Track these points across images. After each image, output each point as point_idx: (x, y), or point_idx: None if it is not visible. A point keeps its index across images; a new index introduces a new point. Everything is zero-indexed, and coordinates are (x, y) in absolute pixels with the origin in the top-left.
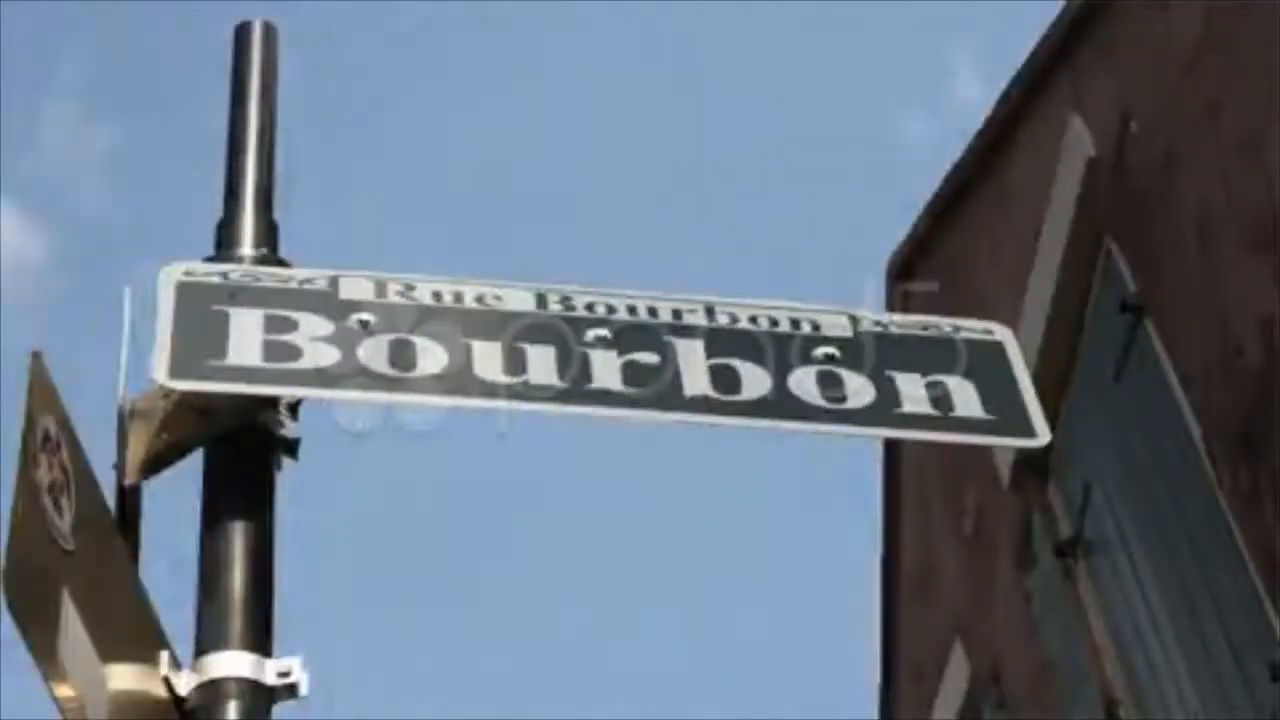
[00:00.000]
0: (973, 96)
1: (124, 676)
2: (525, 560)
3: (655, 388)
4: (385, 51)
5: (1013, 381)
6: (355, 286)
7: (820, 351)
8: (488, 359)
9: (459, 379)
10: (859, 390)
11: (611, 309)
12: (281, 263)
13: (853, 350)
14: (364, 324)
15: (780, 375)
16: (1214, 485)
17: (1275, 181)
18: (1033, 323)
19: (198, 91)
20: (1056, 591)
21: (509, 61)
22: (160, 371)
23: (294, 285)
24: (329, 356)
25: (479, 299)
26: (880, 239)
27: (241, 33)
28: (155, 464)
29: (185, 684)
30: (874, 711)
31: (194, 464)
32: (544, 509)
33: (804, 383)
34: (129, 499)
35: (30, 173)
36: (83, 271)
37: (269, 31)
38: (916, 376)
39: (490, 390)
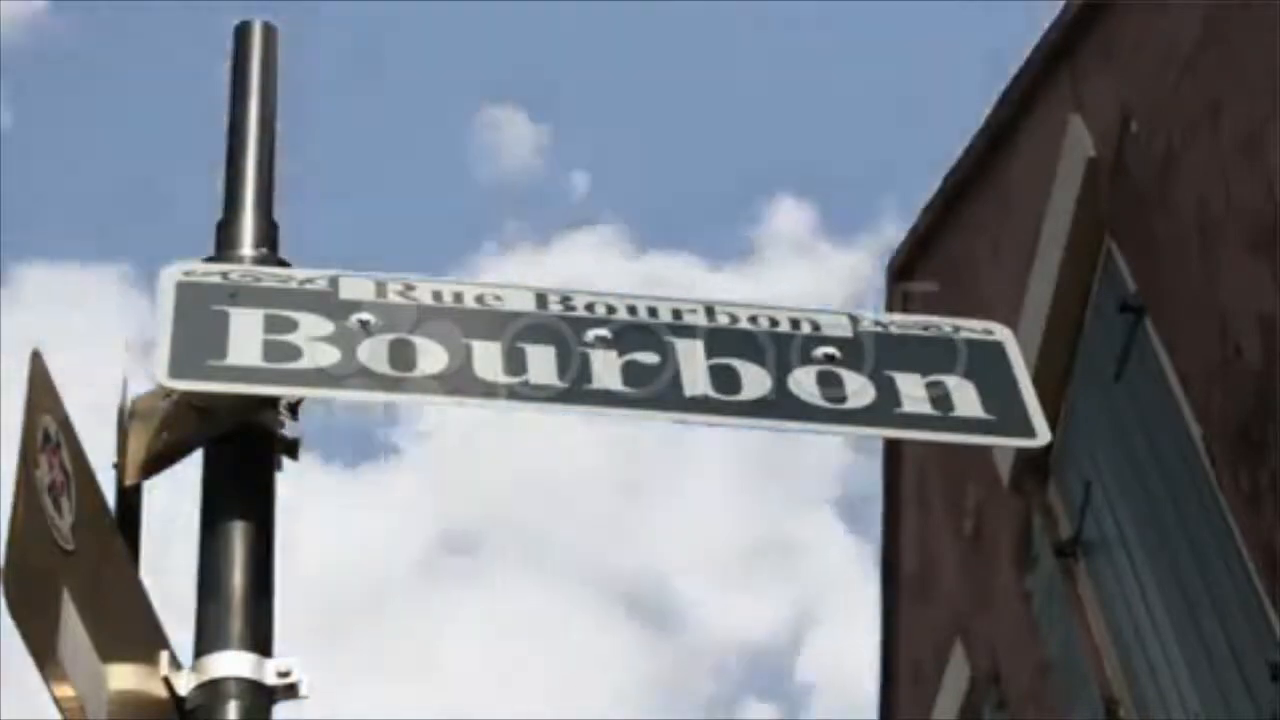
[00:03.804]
0: None
1: (124, 676)
2: None
3: (655, 388)
4: None
5: (1013, 381)
6: (355, 286)
7: (820, 351)
8: (488, 359)
9: (459, 379)
10: (859, 390)
11: (611, 309)
12: (281, 263)
13: (853, 350)
14: (364, 324)
15: (780, 375)
16: (1214, 485)
17: (1275, 181)
18: (1033, 323)
19: None
20: (1056, 591)
21: None
22: (160, 371)
23: (294, 285)
24: (329, 356)
25: (479, 299)
26: None
27: (241, 33)
28: (155, 464)
29: (185, 684)
30: (874, 711)
31: (194, 464)
32: None
33: (804, 383)
34: (129, 499)
35: None
36: None
37: (269, 31)
38: (916, 376)
39: (490, 390)
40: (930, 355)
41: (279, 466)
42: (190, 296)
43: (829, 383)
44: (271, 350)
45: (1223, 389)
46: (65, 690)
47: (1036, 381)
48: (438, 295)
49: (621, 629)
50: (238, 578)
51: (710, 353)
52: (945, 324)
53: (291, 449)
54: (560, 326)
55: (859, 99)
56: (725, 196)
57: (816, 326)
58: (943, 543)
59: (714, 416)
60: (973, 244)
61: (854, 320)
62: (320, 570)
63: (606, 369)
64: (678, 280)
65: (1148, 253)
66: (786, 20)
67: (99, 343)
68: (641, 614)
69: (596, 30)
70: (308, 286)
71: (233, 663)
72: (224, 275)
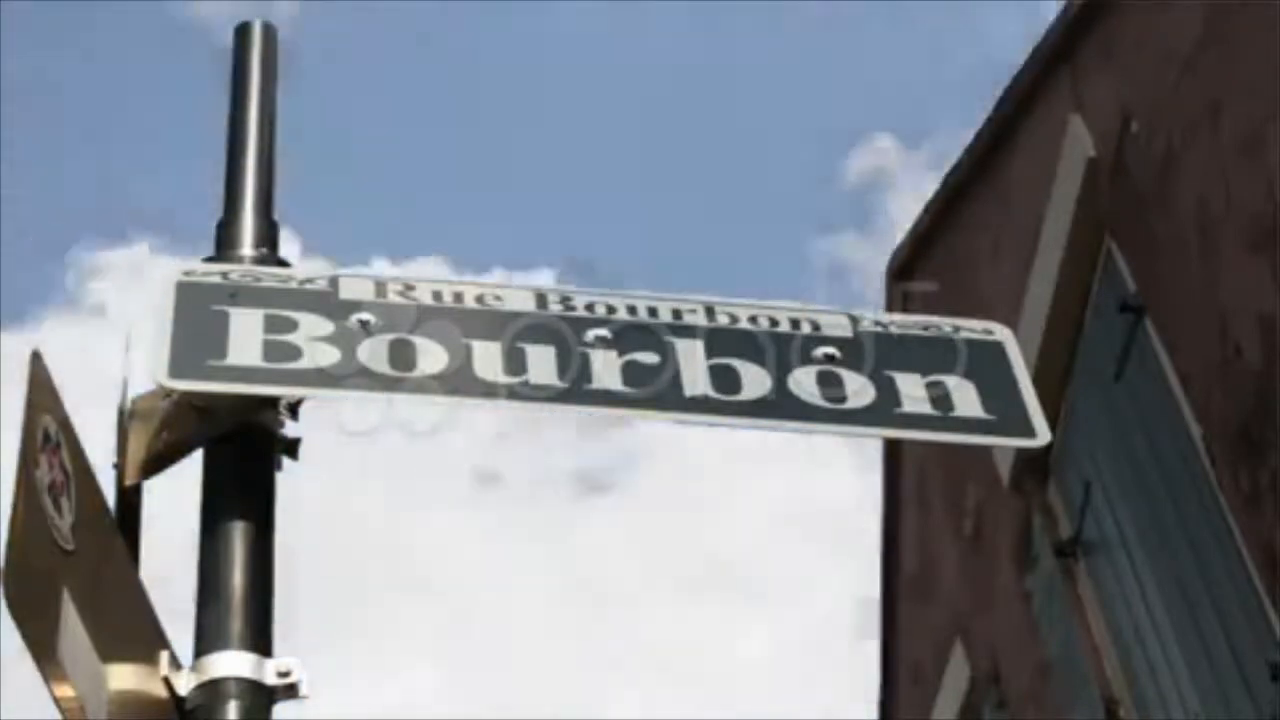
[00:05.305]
0: None
1: (124, 676)
2: None
3: (655, 388)
4: None
5: (1013, 381)
6: (355, 286)
7: (820, 351)
8: (488, 359)
9: (459, 379)
10: (859, 390)
11: (611, 309)
12: (281, 263)
13: (853, 350)
14: (364, 324)
15: (780, 375)
16: (1214, 485)
17: (1275, 181)
18: (1033, 323)
19: None
20: (1056, 591)
21: None
22: (160, 371)
23: (294, 285)
24: (329, 356)
25: (479, 299)
26: None
27: (241, 33)
28: (155, 464)
29: (185, 684)
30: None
31: (194, 464)
32: None
33: (804, 383)
34: (129, 499)
35: None
36: None
37: (269, 31)
38: (916, 376)
39: (490, 390)
40: (930, 355)
41: (279, 466)
42: (190, 296)
43: (829, 383)
44: (271, 350)
45: (1223, 389)
46: (65, 690)
47: (1036, 381)
48: (438, 295)
49: None
50: (238, 578)
51: (710, 353)
52: (945, 324)
53: (291, 449)
54: (560, 326)
55: None
56: None
57: (816, 326)
58: (943, 543)
59: (714, 416)
60: (973, 243)
61: (854, 320)
62: None
63: (606, 369)
64: None
65: (1148, 253)
66: None
67: None
68: None
69: None
70: (308, 286)
71: (233, 663)
72: (224, 275)
